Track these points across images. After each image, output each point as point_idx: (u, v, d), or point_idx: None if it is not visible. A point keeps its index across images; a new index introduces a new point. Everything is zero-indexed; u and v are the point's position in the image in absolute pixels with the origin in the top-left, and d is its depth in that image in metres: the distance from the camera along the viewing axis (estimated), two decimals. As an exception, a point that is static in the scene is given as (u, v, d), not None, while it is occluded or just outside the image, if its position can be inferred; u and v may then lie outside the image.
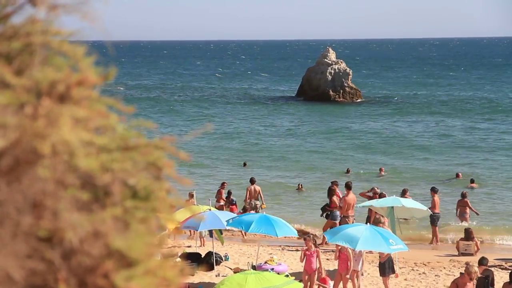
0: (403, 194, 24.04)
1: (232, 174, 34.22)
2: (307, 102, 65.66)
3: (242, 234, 24.08)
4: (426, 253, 22.08)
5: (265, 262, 19.01)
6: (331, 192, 23.43)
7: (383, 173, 34.34)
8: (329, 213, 23.18)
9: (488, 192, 30.50)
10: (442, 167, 36.25)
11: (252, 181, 25.82)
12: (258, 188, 25.64)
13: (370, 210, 22.82)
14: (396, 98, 73.06)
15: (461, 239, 22.03)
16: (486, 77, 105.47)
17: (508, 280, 15.68)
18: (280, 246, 22.73)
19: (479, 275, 15.34)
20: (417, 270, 19.97)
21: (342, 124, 52.84)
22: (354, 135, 48.24)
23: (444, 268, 20.24)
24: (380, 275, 17.73)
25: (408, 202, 21.45)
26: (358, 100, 65.97)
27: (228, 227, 19.69)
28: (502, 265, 20.36)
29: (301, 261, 17.78)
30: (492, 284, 16.78)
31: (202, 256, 19.81)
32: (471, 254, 21.32)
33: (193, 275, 18.35)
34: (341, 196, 23.30)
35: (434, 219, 23.46)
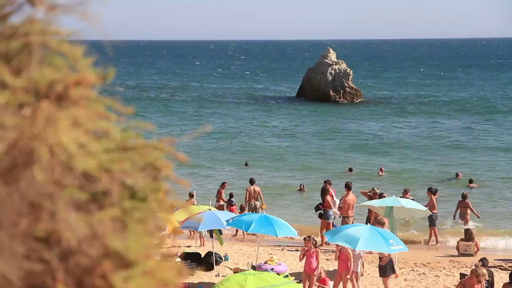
0: (404, 194, 24.06)
1: (232, 175, 34.22)
2: (308, 103, 65.67)
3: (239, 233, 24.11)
4: (426, 253, 22.09)
5: (265, 262, 19.01)
6: (324, 192, 23.36)
7: (383, 173, 34.39)
8: (322, 212, 23.12)
9: (488, 192, 30.51)
10: (442, 167, 36.26)
11: (252, 182, 25.75)
12: (257, 188, 25.59)
13: (369, 211, 22.82)
14: (396, 99, 73.09)
15: (461, 240, 22.04)
16: (486, 77, 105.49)
17: (508, 281, 15.68)
18: (280, 246, 22.74)
19: (487, 278, 15.31)
20: (417, 270, 19.97)
21: (343, 125, 52.86)
22: (354, 136, 48.25)
23: (444, 268, 20.24)
24: (380, 276, 17.73)
25: (408, 203, 21.44)
26: (358, 101, 65.98)
27: (228, 227, 19.70)
28: (502, 266, 20.37)
29: (300, 260, 17.80)
30: (492, 285, 16.81)
31: (202, 256, 19.81)
32: (471, 255, 21.33)
33: (192, 275, 18.35)
34: (334, 196, 23.31)
35: (433, 220, 23.46)
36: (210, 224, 18.62)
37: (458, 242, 22.11)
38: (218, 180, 31.23)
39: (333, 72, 64.85)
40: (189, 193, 22.84)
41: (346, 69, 65.07)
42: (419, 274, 19.60)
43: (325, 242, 21.45)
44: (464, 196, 25.35)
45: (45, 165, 1.24)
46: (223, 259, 20.25)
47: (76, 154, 1.27)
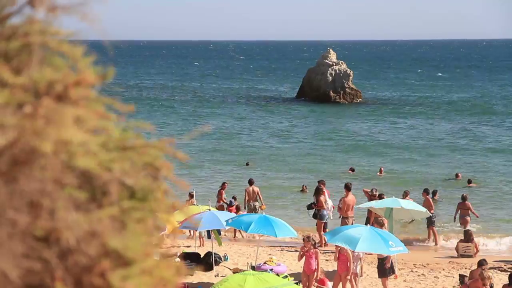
0: (404, 197, 24.06)
1: (233, 175, 34.19)
2: (308, 103, 65.68)
3: (236, 233, 24.09)
4: (426, 254, 22.08)
5: (264, 263, 19.00)
6: (318, 191, 23.29)
7: (382, 173, 34.41)
8: (316, 212, 23.08)
9: (487, 194, 30.51)
10: (442, 168, 36.25)
11: (251, 182, 25.64)
12: (256, 189, 25.50)
13: (369, 211, 22.81)
14: (395, 100, 73.09)
15: (461, 241, 22.04)
16: (485, 79, 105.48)
17: (508, 282, 15.68)
18: (280, 246, 22.73)
19: (492, 282, 15.29)
20: (416, 271, 19.97)
21: (343, 125, 52.86)
22: (354, 136, 48.25)
23: (443, 269, 20.23)
24: (379, 277, 17.72)
25: (407, 204, 21.44)
26: (358, 101, 65.98)
27: (227, 227, 19.70)
28: (501, 267, 20.35)
29: (299, 260, 17.81)
30: (491, 286, 16.76)
31: (201, 256, 19.80)
32: (470, 256, 21.33)
33: (192, 275, 18.34)
34: (328, 196, 23.29)
35: (431, 220, 23.50)
36: (209, 224, 18.61)
37: (457, 243, 22.11)
38: (218, 180, 31.22)
39: (333, 72, 64.85)
40: (189, 193, 22.83)
41: (346, 70, 65.07)
42: (418, 275, 19.59)
43: (325, 244, 21.44)
44: (463, 198, 25.34)
45: (45, 163, 1.25)
46: (223, 259, 20.24)
47: (77, 152, 1.28)
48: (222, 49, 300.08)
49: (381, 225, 19.38)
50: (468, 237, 21.90)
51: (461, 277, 17.98)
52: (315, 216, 23.12)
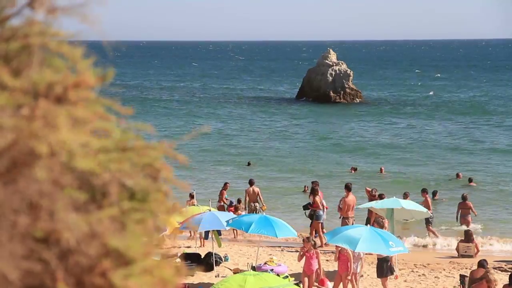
0: (404, 198, 24.06)
1: (233, 175, 34.18)
2: (308, 103, 65.69)
3: (235, 233, 24.08)
4: (426, 254, 22.08)
5: (265, 263, 19.00)
6: (314, 192, 23.23)
7: (383, 172, 34.44)
8: (312, 213, 23.04)
9: (487, 194, 30.52)
10: (442, 168, 36.26)
11: (251, 183, 25.58)
12: (257, 189, 25.45)
13: (369, 212, 22.80)
14: (395, 100, 73.10)
15: (461, 241, 22.03)
16: (485, 79, 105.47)
17: (508, 282, 15.67)
18: (280, 247, 22.73)
19: (497, 284, 15.28)
20: (416, 271, 19.96)
21: (343, 126, 52.87)
22: (354, 137, 48.25)
23: (444, 269, 20.23)
24: (378, 276, 17.72)
25: (408, 204, 21.45)
26: (359, 102, 65.98)
27: (227, 228, 19.69)
28: (502, 267, 20.34)
29: (299, 260, 17.81)
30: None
31: (202, 257, 19.80)
32: (471, 256, 21.32)
33: (192, 276, 18.34)
34: (321, 196, 23.27)
35: (428, 220, 23.55)
36: (210, 224, 18.60)
37: (458, 244, 22.11)
38: (218, 181, 31.24)
39: (333, 73, 64.86)
40: (190, 194, 22.84)
41: (347, 70, 65.08)
42: (419, 275, 19.59)
43: (325, 243, 21.43)
44: (464, 198, 25.36)
45: (44, 165, 1.25)
46: (223, 260, 20.24)
47: (76, 153, 1.28)
48: (221, 49, 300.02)
49: (381, 225, 19.38)
50: (468, 237, 21.89)
51: (462, 277, 17.97)
52: (311, 217, 23.06)
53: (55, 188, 1.26)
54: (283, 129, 52.11)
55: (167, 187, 1.43)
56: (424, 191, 24.87)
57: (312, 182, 24.68)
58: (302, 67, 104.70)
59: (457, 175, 32.95)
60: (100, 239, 1.26)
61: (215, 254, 19.67)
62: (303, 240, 17.89)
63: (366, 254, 18.37)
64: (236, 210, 23.99)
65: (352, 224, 21.24)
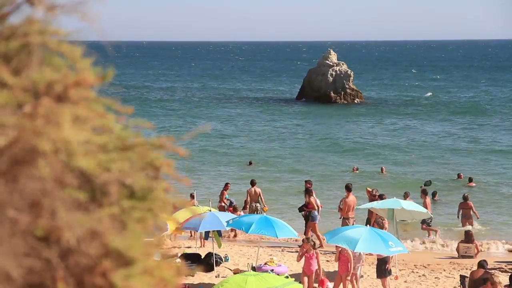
0: (405, 198, 24.07)
1: (233, 175, 34.17)
2: (308, 104, 65.70)
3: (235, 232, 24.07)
4: (426, 255, 22.07)
5: (265, 263, 19.00)
6: (308, 193, 23.14)
7: (384, 172, 34.44)
8: (308, 214, 22.97)
9: (487, 194, 30.51)
10: (443, 168, 36.25)
11: (253, 183, 25.55)
12: (258, 190, 25.41)
13: (370, 212, 22.79)
14: (395, 100, 73.13)
15: (461, 242, 22.03)
16: (485, 79, 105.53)
17: (508, 283, 15.67)
18: (280, 247, 22.72)
19: (502, 285, 15.28)
20: (417, 272, 19.96)
21: (343, 126, 52.88)
22: (355, 137, 48.25)
23: (444, 270, 20.22)
24: (377, 277, 17.72)
25: (408, 205, 21.45)
26: (359, 102, 66.00)
27: (228, 228, 19.69)
28: (502, 268, 20.33)
29: (298, 261, 17.81)
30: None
31: (202, 257, 19.80)
32: (471, 257, 21.31)
33: (192, 276, 18.34)
34: (315, 196, 23.26)
35: (424, 221, 23.59)
36: (210, 225, 18.60)
37: (458, 244, 22.10)
38: (217, 181, 31.24)
39: (334, 73, 64.88)
40: (190, 194, 22.84)
41: (347, 71, 65.10)
42: (419, 276, 19.58)
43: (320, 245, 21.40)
44: (465, 198, 25.39)
45: (46, 162, 1.25)
46: (223, 260, 20.24)
47: (76, 152, 1.28)
48: (221, 49, 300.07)
49: (381, 226, 19.38)
50: (468, 237, 21.89)
51: (462, 277, 17.97)
52: (306, 218, 22.94)
53: (56, 187, 1.25)
54: (284, 129, 52.10)
55: (168, 184, 1.42)
56: (423, 192, 24.88)
57: (306, 182, 24.62)
58: (302, 68, 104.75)
59: (458, 176, 32.97)
60: (101, 238, 1.26)
61: (215, 254, 19.67)
62: (303, 241, 17.89)
63: (366, 254, 18.38)
64: (235, 210, 23.99)
65: (353, 224, 21.23)
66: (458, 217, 25.17)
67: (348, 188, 22.84)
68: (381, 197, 22.97)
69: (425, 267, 20.49)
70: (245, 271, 16.62)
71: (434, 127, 53.30)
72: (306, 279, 17.14)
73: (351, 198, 22.63)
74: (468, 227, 24.06)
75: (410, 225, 24.85)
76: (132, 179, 1.35)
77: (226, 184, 26.64)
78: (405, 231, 24.45)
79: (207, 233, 20.61)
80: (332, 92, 65.07)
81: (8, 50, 1.33)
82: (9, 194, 1.23)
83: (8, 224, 1.22)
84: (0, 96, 1.26)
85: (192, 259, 19.25)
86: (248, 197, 25.30)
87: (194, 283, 17.80)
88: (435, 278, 19.41)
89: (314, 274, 17.14)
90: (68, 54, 1.37)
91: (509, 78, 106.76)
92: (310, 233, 22.31)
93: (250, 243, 23.17)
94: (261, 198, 25.30)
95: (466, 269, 19.70)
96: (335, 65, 64.94)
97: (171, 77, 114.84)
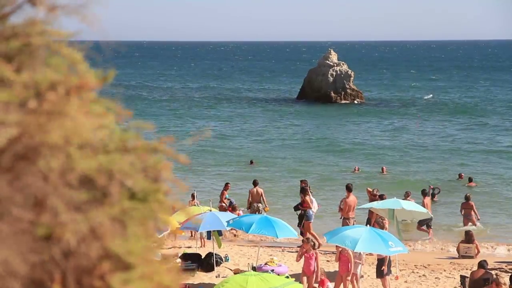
0: (405, 197, 24.07)
1: (234, 176, 34.16)
2: (309, 104, 65.69)
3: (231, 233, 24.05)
4: (427, 255, 22.07)
5: (265, 263, 19.00)
6: (304, 192, 23.11)
7: (385, 172, 34.44)
8: (303, 213, 22.94)
9: (488, 194, 30.51)
10: (444, 168, 36.25)
11: (255, 183, 25.54)
12: (260, 190, 25.39)
13: (370, 212, 22.79)
14: (396, 101, 73.15)
15: (462, 242, 22.02)
16: (485, 79, 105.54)
17: (509, 283, 15.66)
18: (281, 247, 22.72)
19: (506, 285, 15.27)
20: (417, 272, 19.95)
21: (344, 126, 52.88)
22: (356, 137, 48.25)
23: (445, 270, 20.21)
24: (377, 277, 17.72)
25: (408, 205, 21.45)
26: (359, 102, 65.99)
27: (228, 228, 19.68)
28: (502, 268, 20.33)
29: (297, 261, 17.82)
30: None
31: (202, 257, 19.80)
32: (472, 257, 21.31)
33: (193, 276, 18.34)
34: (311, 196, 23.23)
35: (421, 221, 23.61)
36: (210, 225, 18.60)
37: (458, 244, 22.10)
38: (218, 181, 31.23)
39: (334, 73, 64.88)
40: (191, 194, 22.85)
41: (347, 71, 65.10)
42: (419, 276, 19.58)
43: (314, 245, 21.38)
44: (467, 198, 25.41)
45: (49, 159, 1.24)
46: (224, 260, 20.24)
47: (78, 154, 1.28)
48: (221, 50, 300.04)
49: (381, 226, 19.40)
50: (469, 238, 21.88)
51: (462, 278, 17.97)
52: (301, 217, 22.90)
53: (59, 184, 1.25)
54: (284, 130, 52.10)
55: (168, 186, 1.42)
56: (423, 193, 24.89)
57: (301, 181, 24.63)
58: (302, 68, 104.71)
59: (459, 176, 32.98)
60: (101, 241, 1.26)
61: (215, 254, 19.67)
62: (302, 241, 17.89)
63: (366, 254, 18.37)
64: (234, 210, 23.99)
65: (353, 224, 21.22)
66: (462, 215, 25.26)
67: (349, 188, 22.83)
68: (381, 197, 22.97)
69: (426, 267, 20.49)
70: (245, 271, 16.62)
71: (435, 127, 53.30)
72: (305, 279, 17.14)
73: (352, 198, 22.62)
74: (470, 227, 24.05)
75: (411, 225, 24.85)
76: (133, 180, 1.35)
77: (226, 184, 26.64)
78: (407, 231, 24.45)
79: (209, 233, 20.60)
80: (332, 92, 65.07)
81: (9, 50, 1.33)
82: (12, 191, 1.22)
83: (12, 221, 1.22)
84: (3, 94, 1.26)
85: (192, 259, 19.26)
86: (250, 197, 25.28)
87: (195, 283, 17.80)
88: (436, 278, 19.40)
89: (313, 275, 17.14)
90: (69, 55, 1.37)
91: (509, 78, 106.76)
92: (307, 234, 22.31)
93: (250, 243, 23.16)
94: (263, 199, 25.28)
95: (467, 269, 19.70)
96: (335, 65, 64.93)
97: (171, 77, 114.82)
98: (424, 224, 23.85)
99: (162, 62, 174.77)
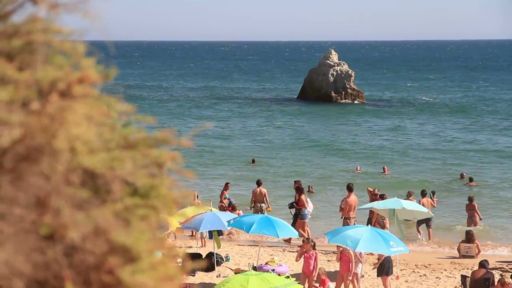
0: (408, 197, 24.07)
1: (234, 175, 34.16)
2: (309, 104, 65.66)
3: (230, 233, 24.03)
4: (427, 255, 22.07)
5: (266, 263, 19.01)
6: (299, 191, 23.18)
7: (386, 172, 34.43)
8: (297, 212, 22.97)
9: (488, 195, 30.50)
10: (446, 168, 36.25)
11: (259, 183, 25.53)
12: (264, 190, 25.38)
13: (371, 212, 22.80)
14: (397, 101, 73.16)
15: (462, 242, 22.02)
16: (486, 79, 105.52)
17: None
18: (281, 247, 22.73)
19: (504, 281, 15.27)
20: (418, 272, 19.96)
21: (344, 126, 52.88)
22: (356, 137, 48.26)
23: (445, 270, 20.22)
24: (378, 275, 17.72)
25: (409, 205, 21.46)
26: (360, 102, 65.98)
27: (229, 228, 19.69)
28: (503, 268, 20.33)
29: (297, 260, 17.82)
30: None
31: (203, 257, 19.80)
32: (472, 257, 21.31)
33: (193, 276, 18.35)
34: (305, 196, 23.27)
35: (419, 222, 23.64)
36: (211, 224, 18.61)
37: (459, 244, 22.10)
38: (218, 181, 31.22)
39: (334, 73, 64.86)
40: (193, 194, 22.84)
41: (348, 70, 65.09)
42: (420, 276, 19.58)
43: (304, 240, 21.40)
44: (470, 199, 25.45)
45: (50, 161, 1.25)
46: (224, 260, 20.25)
47: (81, 151, 1.28)
48: (221, 50, 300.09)
49: (382, 226, 19.39)
50: (469, 237, 21.88)
51: (463, 277, 17.97)
52: (296, 216, 22.98)
53: (62, 184, 1.25)
54: (284, 129, 52.10)
55: (171, 181, 1.42)
56: (422, 193, 24.90)
57: (295, 182, 24.73)
58: (303, 68, 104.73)
59: (461, 176, 32.97)
60: (105, 235, 1.26)
61: (216, 254, 19.67)
62: (303, 241, 17.90)
63: (367, 254, 18.38)
64: (233, 209, 24.00)
65: (354, 224, 21.22)
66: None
67: (350, 188, 22.84)
68: (382, 197, 22.98)
69: (426, 267, 20.49)
70: (246, 271, 16.62)
71: (435, 127, 53.29)
72: (306, 279, 17.15)
73: (353, 198, 22.63)
74: (471, 228, 24.04)
75: (414, 224, 24.86)
76: (135, 176, 1.35)
77: (226, 184, 26.65)
78: (409, 229, 24.46)
79: (210, 232, 20.61)
80: (333, 92, 65.06)
81: (11, 48, 1.33)
82: (15, 191, 1.23)
83: (15, 221, 1.22)
84: (4, 92, 1.26)
85: (192, 259, 19.24)
86: (253, 197, 25.28)
87: (195, 283, 17.80)
88: (436, 278, 19.41)
89: (314, 275, 17.14)
90: (71, 52, 1.38)
91: (509, 78, 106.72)
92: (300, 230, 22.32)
93: (251, 242, 23.17)
94: (266, 199, 25.27)
95: (467, 269, 19.70)
96: (336, 65, 64.92)
97: (170, 77, 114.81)
98: (423, 223, 23.84)
99: (162, 62, 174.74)
